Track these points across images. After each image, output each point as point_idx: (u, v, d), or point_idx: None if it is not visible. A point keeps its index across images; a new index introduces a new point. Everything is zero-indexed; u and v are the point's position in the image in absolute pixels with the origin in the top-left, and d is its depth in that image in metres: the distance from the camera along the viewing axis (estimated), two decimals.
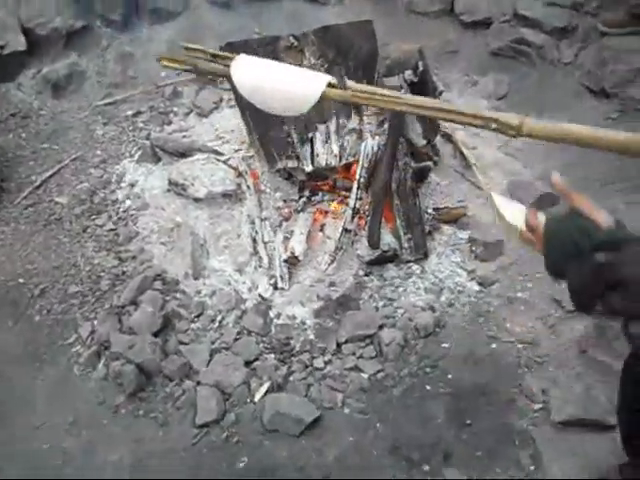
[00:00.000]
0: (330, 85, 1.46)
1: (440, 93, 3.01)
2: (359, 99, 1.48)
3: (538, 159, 2.94)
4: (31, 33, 3.41)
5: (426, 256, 2.48)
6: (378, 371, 2.12)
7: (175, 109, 3.35)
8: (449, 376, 2.10)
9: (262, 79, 1.54)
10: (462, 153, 2.87)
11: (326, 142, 2.40)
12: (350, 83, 1.46)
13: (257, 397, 2.05)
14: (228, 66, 1.60)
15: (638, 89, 2.98)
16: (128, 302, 2.33)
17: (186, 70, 1.73)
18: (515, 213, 1.12)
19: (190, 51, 1.67)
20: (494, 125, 1.29)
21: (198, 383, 2.10)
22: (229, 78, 1.58)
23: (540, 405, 1.95)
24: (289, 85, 1.50)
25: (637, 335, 0.87)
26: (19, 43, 3.35)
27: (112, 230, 2.67)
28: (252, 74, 1.54)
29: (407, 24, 3.73)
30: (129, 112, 3.34)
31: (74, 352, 2.24)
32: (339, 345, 2.21)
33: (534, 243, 1.08)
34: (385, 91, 1.49)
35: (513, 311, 2.31)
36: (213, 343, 2.24)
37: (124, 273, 2.49)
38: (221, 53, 1.69)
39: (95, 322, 2.30)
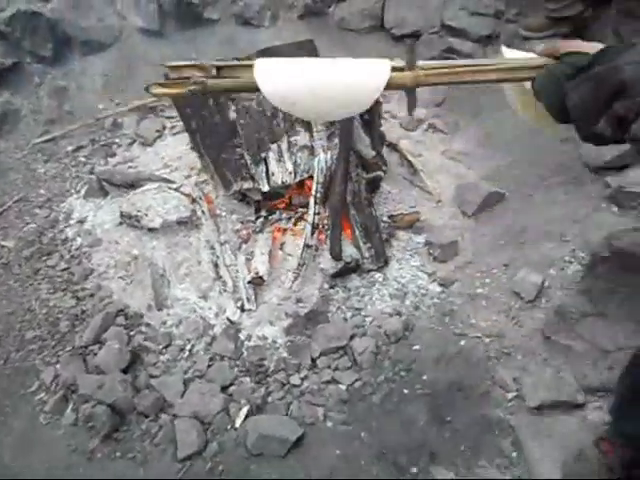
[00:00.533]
0: (394, 69, 1.16)
1: (380, 104, 3.11)
2: (432, 77, 1.18)
3: (480, 161, 3.07)
4: None
5: (387, 263, 2.53)
6: (355, 381, 2.14)
7: (117, 140, 3.30)
8: (424, 377, 2.14)
9: (305, 82, 1.19)
10: (408, 161, 2.96)
11: (280, 161, 2.43)
12: (419, 62, 1.17)
13: (238, 422, 2.02)
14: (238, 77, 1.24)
15: None
16: (91, 341, 2.26)
17: (187, 94, 1.27)
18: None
19: (180, 70, 1.28)
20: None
21: (175, 416, 2.05)
22: (253, 90, 1.22)
23: (514, 393, 2.02)
24: (343, 82, 1.18)
25: None
26: None
27: (66, 269, 2.59)
28: (290, 78, 1.20)
29: (340, 41, 3.82)
30: (70, 148, 3.26)
31: (38, 400, 2.14)
32: (313, 360, 2.21)
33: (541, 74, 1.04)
34: (460, 62, 1.21)
35: (476, 307, 2.39)
36: (186, 373, 2.20)
37: (84, 312, 2.42)
38: (227, 63, 1.29)
39: (58, 366, 2.21)
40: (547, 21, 3.29)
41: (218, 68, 1.24)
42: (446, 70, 1.18)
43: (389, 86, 1.16)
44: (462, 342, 2.26)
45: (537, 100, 1.05)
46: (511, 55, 1.22)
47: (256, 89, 1.21)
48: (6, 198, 2.95)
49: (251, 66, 1.20)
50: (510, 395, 2.02)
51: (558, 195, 2.74)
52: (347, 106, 1.22)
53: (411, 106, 1.25)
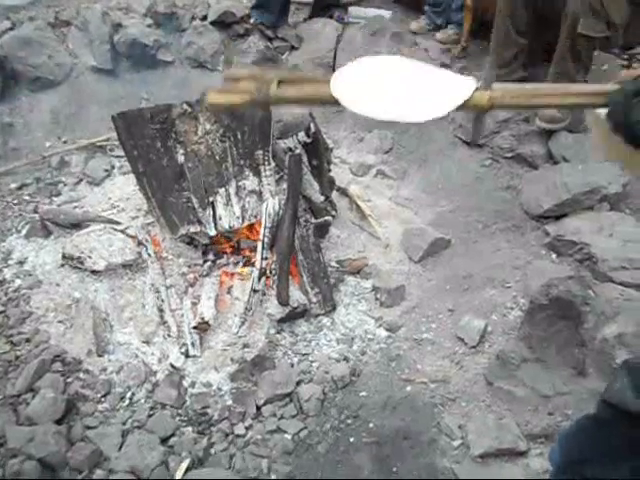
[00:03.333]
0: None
1: (331, 150, 3.17)
2: (508, 99, 1.18)
3: (426, 207, 3.15)
4: None
5: (334, 308, 2.54)
6: (301, 430, 2.10)
7: (64, 179, 3.22)
8: (370, 425, 2.12)
9: (391, 83, 1.19)
10: (358, 205, 3.01)
11: (227, 205, 2.42)
12: (496, 85, 1.16)
13: (178, 477, 1.94)
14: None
15: (503, 139, 3.31)
16: (24, 389, 2.15)
17: (249, 104, 1.22)
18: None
19: (238, 81, 1.22)
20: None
21: (110, 471, 1.95)
22: (320, 101, 1.23)
23: (459, 441, 2.02)
24: (428, 87, 1.20)
25: None
26: None
27: (1, 313, 2.47)
28: (372, 82, 1.20)
29: None
30: (13, 185, 3.16)
31: None
32: (259, 408, 2.17)
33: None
34: (534, 86, 1.22)
35: (422, 352, 2.41)
36: (124, 423, 2.11)
37: (17, 358, 2.30)
38: (290, 76, 1.27)
39: None
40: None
41: (279, 81, 1.21)
42: (521, 93, 1.18)
43: (466, 104, 1.15)
44: (408, 388, 2.26)
45: (608, 121, 1.06)
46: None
47: (323, 100, 1.22)
48: None
49: (315, 80, 1.23)
50: (455, 443, 2.03)
51: (500, 242, 2.83)
52: (427, 110, 1.16)
53: (477, 132, 1.26)
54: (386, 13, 4.11)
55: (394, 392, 2.24)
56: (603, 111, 1.10)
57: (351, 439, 2.09)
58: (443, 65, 3.71)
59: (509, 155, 3.23)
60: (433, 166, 3.35)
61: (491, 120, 3.33)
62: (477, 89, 1.15)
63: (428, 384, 2.26)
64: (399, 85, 1.19)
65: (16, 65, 3.59)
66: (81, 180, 3.21)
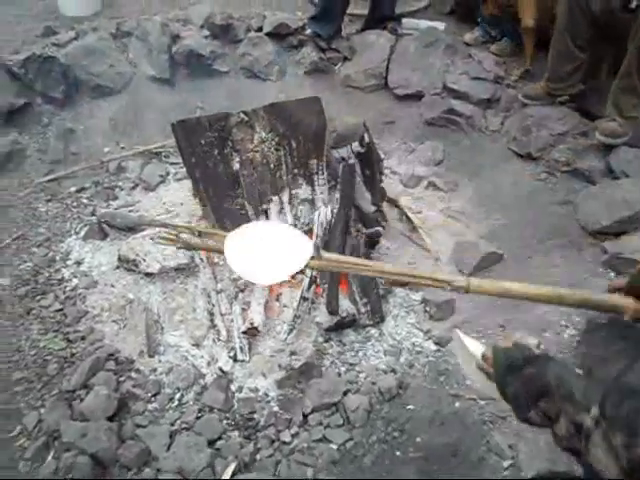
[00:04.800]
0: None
1: (382, 161, 3.17)
2: (335, 267, 1.61)
3: (478, 220, 3.10)
4: None
5: (383, 319, 2.52)
6: (347, 440, 2.08)
7: (120, 184, 3.33)
8: (417, 439, 2.09)
9: (251, 254, 1.59)
10: (408, 217, 2.99)
11: (280, 212, 2.45)
12: (325, 254, 1.55)
13: None
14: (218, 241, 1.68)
15: (560, 152, 3.24)
16: (79, 386, 2.21)
17: (180, 247, 1.81)
18: (474, 347, 1.40)
19: (178, 229, 1.80)
20: (448, 287, 1.48)
21: (158, 470, 1.97)
22: (222, 253, 1.63)
23: (510, 461, 1.97)
24: (276, 257, 1.57)
25: (561, 436, 1.00)
26: None
27: (59, 310, 2.56)
28: (242, 250, 1.59)
29: (345, 97, 3.93)
30: (73, 188, 3.28)
31: (19, 446, 2.06)
32: (305, 416, 2.16)
33: (487, 370, 1.29)
34: (355, 260, 1.63)
35: (472, 368, 2.35)
36: (173, 424, 2.14)
37: (73, 355, 2.37)
38: (208, 230, 1.83)
39: (42, 410, 2.15)
40: (544, 92, 3.41)
41: (200, 233, 1.76)
42: (345, 264, 1.56)
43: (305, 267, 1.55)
44: (457, 404, 2.22)
45: (490, 367, 1.27)
46: (462, 337, 1.44)
47: (219, 252, 1.68)
48: (5, 235, 2.94)
49: (220, 235, 1.68)
50: (506, 463, 1.97)
51: (555, 258, 2.76)
52: (275, 277, 1.59)
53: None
54: (440, 25, 4.10)
55: (442, 407, 2.20)
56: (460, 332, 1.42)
57: (397, 453, 2.06)
58: (498, 78, 3.68)
59: (565, 169, 3.16)
60: (486, 179, 3.30)
61: (547, 133, 3.27)
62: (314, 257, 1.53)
63: (478, 401, 2.21)
64: (261, 252, 1.59)
65: (79, 73, 3.74)
66: (137, 185, 3.31)
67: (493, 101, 3.65)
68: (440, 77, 3.80)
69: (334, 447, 2.06)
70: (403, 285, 2.44)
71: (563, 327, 2.40)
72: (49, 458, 2.01)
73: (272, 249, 1.59)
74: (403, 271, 1.57)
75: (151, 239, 2.43)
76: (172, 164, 3.43)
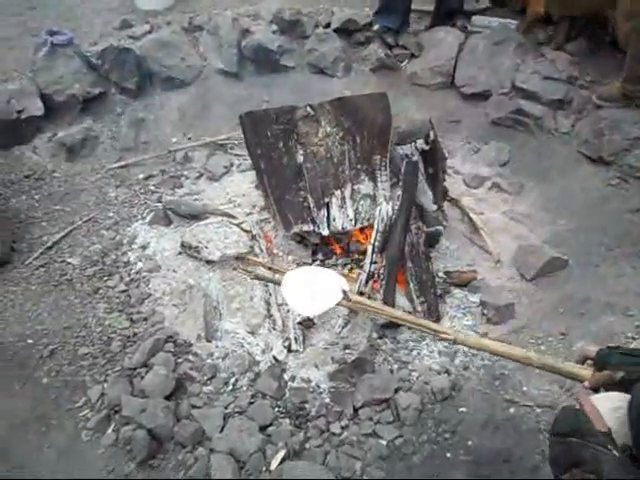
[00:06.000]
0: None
1: (445, 160, 3.12)
2: (358, 308, 2.12)
3: (543, 224, 3.01)
4: (49, 99, 3.53)
5: (439, 319, 2.49)
6: (396, 437, 2.07)
7: (186, 173, 3.43)
8: (469, 442, 2.05)
9: (298, 288, 2.07)
10: (470, 218, 2.94)
11: (342, 207, 2.46)
12: (352, 296, 2.05)
13: (273, 465, 1.98)
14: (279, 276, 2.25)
15: (635, 158, 3.09)
16: (140, 364, 2.30)
17: (252, 278, 2.43)
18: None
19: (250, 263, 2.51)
20: (441, 336, 1.79)
21: (211, 450, 2.03)
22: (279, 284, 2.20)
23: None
24: (315, 294, 2.04)
25: None
26: (36, 108, 3.46)
27: (124, 291, 2.67)
28: (293, 285, 2.08)
29: (410, 95, 3.89)
30: (141, 175, 3.41)
31: (82, 416, 2.18)
32: (356, 410, 2.17)
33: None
34: (373, 303, 2.11)
35: (528, 374, 2.29)
36: (227, 407, 2.19)
37: (135, 335, 2.47)
38: (274, 266, 2.43)
39: (105, 385, 2.25)
40: (620, 94, 3.26)
41: (270, 268, 2.43)
42: (366, 306, 2.05)
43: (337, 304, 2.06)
44: (512, 409, 2.16)
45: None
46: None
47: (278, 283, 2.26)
48: (77, 217, 3.09)
49: (281, 271, 2.31)
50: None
51: (625, 267, 2.64)
52: (313, 310, 2.07)
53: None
54: (511, 23, 3.98)
55: (496, 412, 2.16)
56: None
57: (448, 454, 2.03)
58: (571, 78, 3.54)
59: None
60: (553, 182, 3.20)
61: (621, 137, 3.13)
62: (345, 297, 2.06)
63: (534, 408, 2.15)
64: (307, 288, 2.07)
65: (152, 65, 3.87)
66: (202, 175, 3.40)
67: (565, 102, 3.52)
68: (509, 76, 3.70)
69: (383, 443, 2.06)
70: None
71: (630, 339, 2.29)
72: (109, 430, 2.11)
73: (315, 288, 2.05)
74: (406, 317, 2.03)
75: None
76: (236, 156, 3.51)
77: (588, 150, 3.27)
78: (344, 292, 1.99)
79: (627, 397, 1.22)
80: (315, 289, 2.03)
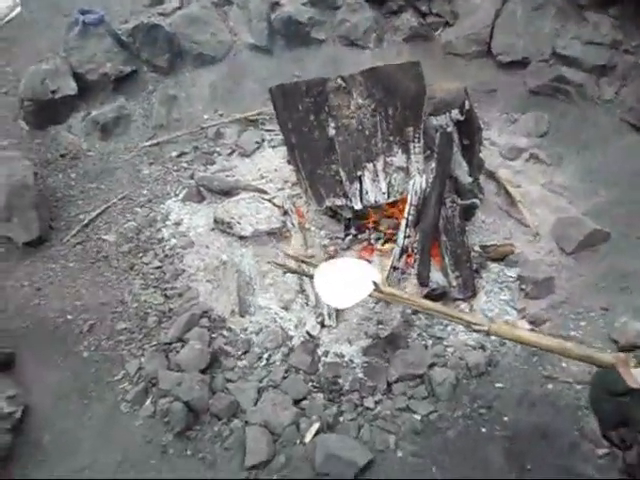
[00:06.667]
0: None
1: (481, 131, 3.02)
2: (390, 299, 2.09)
3: (583, 196, 2.90)
4: (82, 78, 3.56)
5: (475, 294, 2.44)
6: (431, 412, 2.06)
7: (218, 149, 3.43)
8: (505, 418, 2.03)
9: (330, 280, 2.08)
10: (507, 191, 2.86)
11: (374, 180, 2.42)
12: (384, 288, 2.03)
13: (308, 438, 2.00)
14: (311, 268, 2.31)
15: None
16: (175, 339, 2.34)
17: (285, 272, 2.50)
18: None
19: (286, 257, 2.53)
20: (472, 327, 1.75)
21: (246, 423, 2.06)
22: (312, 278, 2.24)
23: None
24: (347, 286, 2.05)
25: (629, 464, 1.20)
26: (70, 88, 3.50)
27: (158, 268, 2.70)
28: (325, 277, 2.09)
29: (445, 65, 3.78)
30: (174, 153, 3.43)
31: (121, 389, 2.23)
32: (389, 384, 2.16)
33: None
34: (404, 294, 2.06)
35: None
36: (261, 381, 2.21)
37: (171, 310, 2.51)
38: (306, 260, 2.43)
39: (142, 359, 2.30)
40: None
41: (303, 261, 2.44)
42: (395, 297, 2.02)
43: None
44: (549, 386, 2.12)
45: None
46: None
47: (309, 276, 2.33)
48: (112, 195, 3.13)
49: (311, 264, 2.34)
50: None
51: None
52: (345, 301, 2.08)
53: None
54: None
55: (533, 388, 2.12)
56: None
57: (483, 429, 2.01)
58: (615, 43, 3.37)
59: None
60: (594, 153, 3.08)
61: None
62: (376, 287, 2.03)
63: (573, 384, 2.10)
64: (339, 280, 2.08)
65: (183, 42, 3.86)
66: (234, 151, 3.40)
67: (608, 68, 3.36)
68: (549, 42, 3.54)
69: (417, 417, 2.05)
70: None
71: None
72: (147, 402, 2.16)
73: (346, 280, 2.07)
74: (436, 307, 1.98)
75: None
76: (268, 131, 3.48)
77: (633, 118, 3.13)
78: (375, 284, 1.99)
79: None
80: (346, 281, 2.05)
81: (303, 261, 2.41)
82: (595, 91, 3.35)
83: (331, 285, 2.06)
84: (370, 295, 2.04)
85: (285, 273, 2.48)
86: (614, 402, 1.26)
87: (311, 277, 2.25)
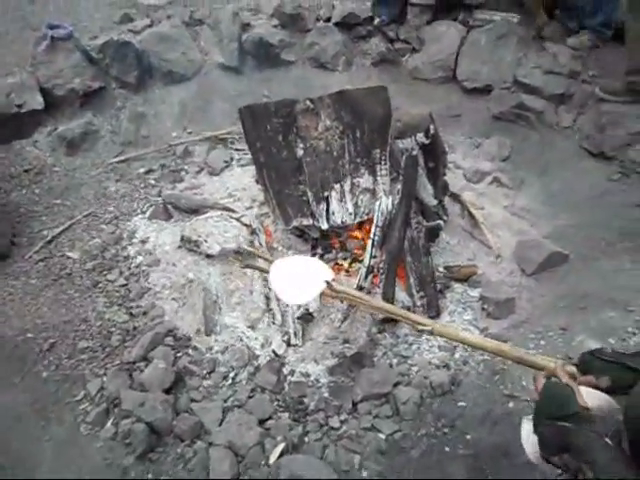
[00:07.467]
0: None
1: (446, 154, 3.10)
2: (341, 297, 2.10)
3: (545, 218, 3.00)
4: (49, 93, 3.52)
5: (439, 314, 2.48)
6: (395, 431, 2.07)
7: (186, 167, 3.43)
8: (468, 436, 2.05)
9: (285, 277, 2.05)
10: (470, 213, 2.93)
11: (341, 201, 2.45)
12: (337, 286, 1.99)
13: (272, 459, 1.98)
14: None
15: (636, 152, 3.08)
16: (139, 358, 2.31)
17: (243, 267, 2.49)
18: None
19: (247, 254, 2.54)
20: (419, 327, 1.73)
21: (210, 444, 2.04)
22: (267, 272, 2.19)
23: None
24: (301, 283, 2.03)
25: None
26: (36, 102, 3.46)
27: (123, 285, 2.67)
28: (280, 274, 2.06)
29: (411, 89, 3.88)
30: (141, 170, 3.41)
31: (82, 410, 2.18)
32: (355, 404, 2.17)
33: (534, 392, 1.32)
34: (355, 292, 2.06)
35: (528, 369, 2.28)
36: (226, 401, 2.20)
37: (135, 328, 2.47)
38: (265, 256, 2.42)
39: (104, 378, 2.26)
40: (624, 88, 3.23)
41: (260, 257, 2.44)
42: (349, 295, 2.01)
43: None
44: (511, 404, 2.16)
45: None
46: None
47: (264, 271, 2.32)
48: (76, 212, 3.09)
49: (267, 260, 2.31)
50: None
51: (625, 262, 2.63)
52: (298, 298, 2.05)
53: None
54: (513, 17, 3.95)
55: (495, 406, 2.15)
56: None
57: (446, 448, 2.03)
58: (573, 73, 3.52)
59: None
60: (554, 177, 3.18)
61: (624, 132, 3.12)
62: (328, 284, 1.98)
63: (532, 403, 2.14)
64: (293, 278, 2.04)
65: (152, 59, 3.86)
66: (202, 169, 3.40)
67: (567, 96, 3.50)
68: (511, 71, 3.68)
69: (382, 437, 2.06)
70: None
71: (630, 333, 2.28)
72: (109, 423, 2.11)
73: (301, 278, 2.03)
74: (389, 308, 1.99)
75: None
76: (237, 150, 3.50)
77: (590, 145, 3.26)
78: (327, 282, 1.97)
79: (609, 399, 1.18)
80: (301, 279, 2.03)
81: (259, 256, 2.43)
82: (554, 118, 3.48)
83: (286, 282, 2.04)
84: (322, 293, 2.05)
85: (243, 268, 2.49)
86: (555, 426, 1.17)
87: (264, 272, 2.29)
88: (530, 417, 1.30)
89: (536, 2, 3.75)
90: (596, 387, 1.22)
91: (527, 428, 1.34)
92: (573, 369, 1.30)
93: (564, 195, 3.08)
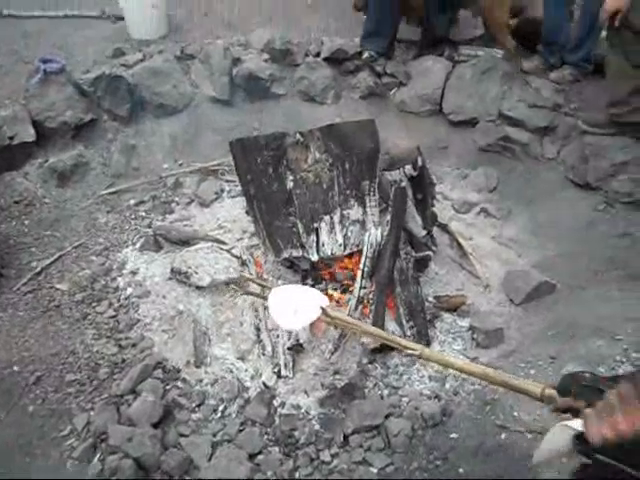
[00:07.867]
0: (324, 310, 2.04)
1: (434, 185, 3.15)
2: (336, 323, 2.12)
3: (532, 248, 3.04)
4: (41, 125, 3.54)
5: (429, 344, 2.48)
6: (387, 465, 2.05)
7: (177, 199, 3.45)
8: (460, 470, 2.03)
9: (282, 303, 2.12)
10: (459, 243, 2.96)
11: (331, 232, 2.47)
12: (331, 312, 2.05)
13: None
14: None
15: (620, 183, 3.15)
16: (127, 391, 2.28)
17: (242, 294, 2.62)
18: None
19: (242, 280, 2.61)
20: (407, 351, 1.76)
21: None
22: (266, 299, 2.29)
23: None
24: (298, 309, 2.08)
25: None
26: (28, 134, 3.48)
27: (112, 317, 2.65)
28: (278, 300, 2.14)
29: (399, 122, 3.96)
30: (132, 201, 3.42)
31: (68, 445, 2.14)
32: (346, 437, 2.15)
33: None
34: (350, 319, 2.10)
35: (519, 399, 2.27)
36: (215, 435, 2.17)
37: (124, 361, 2.45)
38: (265, 283, 2.55)
39: (92, 413, 2.22)
40: (607, 121, 3.31)
41: (260, 284, 2.55)
42: (343, 322, 2.05)
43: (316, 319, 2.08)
44: (503, 435, 2.15)
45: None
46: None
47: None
48: (66, 243, 3.09)
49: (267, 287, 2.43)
50: None
51: (612, 291, 2.66)
52: (295, 324, 2.13)
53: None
54: (498, 52, 4.07)
55: (487, 438, 2.14)
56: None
57: None
58: (556, 106, 3.61)
59: (626, 200, 3.06)
60: (541, 207, 3.24)
61: (607, 163, 3.19)
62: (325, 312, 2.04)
63: (525, 434, 2.14)
64: (290, 303, 2.10)
65: (144, 93, 3.90)
66: (193, 201, 3.42)
67: (550, 129, 3.58)
68: (496, 104, 3.77)
69: (374, 470, 2.04)
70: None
71: (618, 362, 2.30)
72: (95, 459, 2.07)
73: (297, 304, 2.09)
74: (380, 333, 2.02)
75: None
76: (227, 182, 3.53)
77: (574, 176, 3.33)
78: (322, 308, 2.03)
79: None
80: (297, 305, 2.09)
81: (259, 284, 2.51)
82: (539, 150, 3.56)
83: (283, 308, 2.11)
84: (317, 319, 2.10)
85: (242, 294, 2.59)
86: None
87: (266, 299, 2.32)
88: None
89: (501, 32, 3.87)
90: (574, 409, 1.24)
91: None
92: (553, 392, 1.31)
93: (551, 225, 3.12)
